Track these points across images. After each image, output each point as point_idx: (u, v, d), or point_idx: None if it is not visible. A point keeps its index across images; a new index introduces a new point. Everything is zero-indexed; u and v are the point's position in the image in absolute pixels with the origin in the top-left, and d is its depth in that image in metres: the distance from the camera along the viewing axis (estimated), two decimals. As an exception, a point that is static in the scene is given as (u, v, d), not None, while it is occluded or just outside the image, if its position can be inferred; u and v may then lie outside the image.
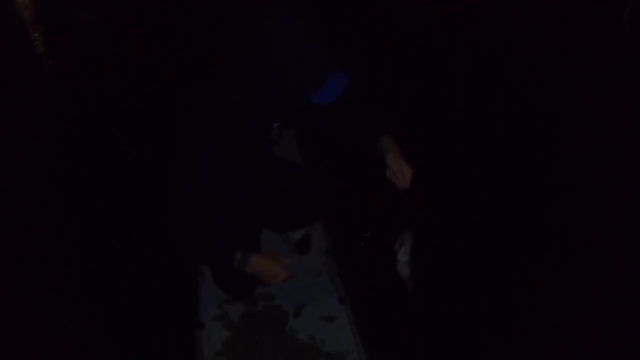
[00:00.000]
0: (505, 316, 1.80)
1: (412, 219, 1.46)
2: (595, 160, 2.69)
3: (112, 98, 3.46)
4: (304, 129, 1.65)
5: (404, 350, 1.69)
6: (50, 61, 4.06)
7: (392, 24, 4.71)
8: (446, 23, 4.75)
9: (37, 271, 2.02)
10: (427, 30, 4.58)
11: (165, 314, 1.79)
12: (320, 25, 1.18)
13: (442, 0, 5.18)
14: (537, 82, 3.60)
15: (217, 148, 1.28)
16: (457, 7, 4.94)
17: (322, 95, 1.23)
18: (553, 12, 4.41)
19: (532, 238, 2.16)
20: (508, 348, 1.69)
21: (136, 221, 2.21)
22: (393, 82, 3.62)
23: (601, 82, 3.50)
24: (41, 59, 4.10)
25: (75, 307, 1.86)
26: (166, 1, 5.23)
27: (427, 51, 4.13)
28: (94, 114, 3.26)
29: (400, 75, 3.73)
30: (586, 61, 3.80)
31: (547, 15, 4.42)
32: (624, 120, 3.04)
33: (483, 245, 2.12)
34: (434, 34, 4.51)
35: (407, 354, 1.68)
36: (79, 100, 3.49)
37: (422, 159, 2.69)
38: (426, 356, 1.69)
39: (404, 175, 1.37)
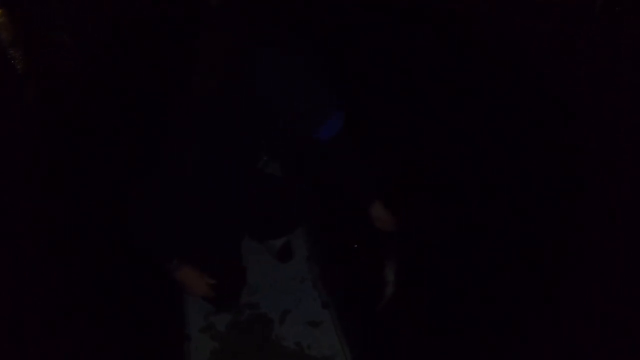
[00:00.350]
0: (505, 316, 1.80)
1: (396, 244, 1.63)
2: (595, 160, 2.69)
3: (114, 101, 3.46)
4: (290, 162, 1.71)
5: (391, 351, 1.68)
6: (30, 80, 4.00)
7: (392, 23, 4.72)
8: (446, 23, 4.75)
9: (37, 271, 2.02)
10: (427, 30, 4.59)
11: (153, 328, 1.77)
12: (325, 64, 1.26)
13: (443, 1, 5.18)
14: (537, 82, 3.60)
15: (199, 160, 1.34)
16: (457, 7, 4.94)
17: (322, 131, 1.29)
18: (553, 12, 4.41)
19: (532, 238, 2.16)
20: (508, 348, 1.68)
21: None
22: (393, 82, 3.63)
23: (601, 82, 3.50)
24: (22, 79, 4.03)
25: (73, 309, 1.85)
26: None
27: (427, 51, 4.13)
28: (95, 114, 3.27)
29: (400, 75, 3.74)
30: (586, 61, 3.80)
31: (547, 15, 4.42)
32: (624, 120, 3.04)
33: (483, 245, 2.12)
34: (434, 34, 4.51)
35: (394, 354, 1.68)
36: (79, 101, 3.49)
37: (422, 159, 2.73)
38: (414, 356, 1.69)
39: (391, 224, 1.60)
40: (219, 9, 2.60)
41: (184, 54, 2.66)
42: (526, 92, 3.46)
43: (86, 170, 2.66)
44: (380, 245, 1.60)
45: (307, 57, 1.27)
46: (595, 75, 3.60)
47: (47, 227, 2.26)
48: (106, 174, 2.60)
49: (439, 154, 2.76)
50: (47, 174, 2.68)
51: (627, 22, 3.96)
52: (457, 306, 1.84)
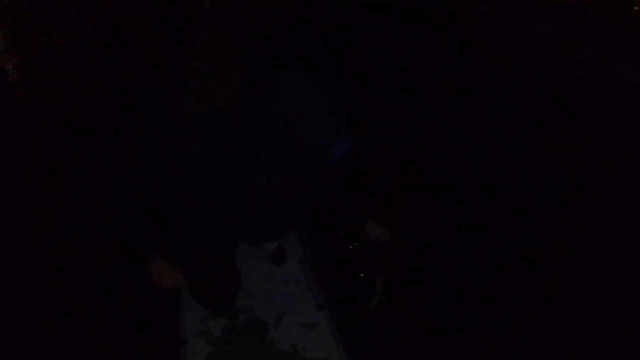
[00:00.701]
0: (505, 316, 1.80)
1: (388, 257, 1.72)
2: (595, 160, 2.69)
3: (114, 101, 3.46)
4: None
5: (388, 352, 1.68)
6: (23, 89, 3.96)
7: (392, 23, 4.71)
8: (446, 23, 4.75)
9: (37, 271, 2.02)
10: (427, 30, 4.59)
11: (150, 331, 1.76)
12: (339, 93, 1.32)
13: (443, 1, 5.18)
14: (537, 82, 3.60)
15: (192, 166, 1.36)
16: (457, 7, 4.94)
17: (332, 153, 1.33)
18: (553, 12, 4.42)
19: (532, 238, 2.15)
20: (508, 348, 1.68)
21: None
22: (393, 82, 3.63)
23: (601, 82, 3.50)
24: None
25: (73, 309, 1.85)
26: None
27: (427, 51, 4.13)
28: (95, 114, 3.27)
29: (400, 75, 3.74)
30: (586, 61, 3.80)
31: (547, 15, 4.42)
32: (624, 120, 3.04)
33: (483, 245, 2.12)
34: (434, 34, 4.51)
35: (391, 355, 1.68)
36: (79, 101, 3.49)
37: (422, 159, 2.72)
38: (412, 357, 1.68)
39: (386, 237, 1.64)
40: (213, 11, 2.60)
41: (184, 55, 2.66)
42: (526, 92, 3.46)
43: (86, 170, 2.66)
44: (372, 255, 1.62)
45: (324, 83, 1.31)
46: (595, 75, 3.60)
47: (47, 227, 2.26)
48: (106, 174, 2.60)
49: (439, 154, 2.76)
50: (47, 174, 2.68)
51: (626, 22, 3.96)
52: (457, 306, 1.84)
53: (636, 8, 4.26)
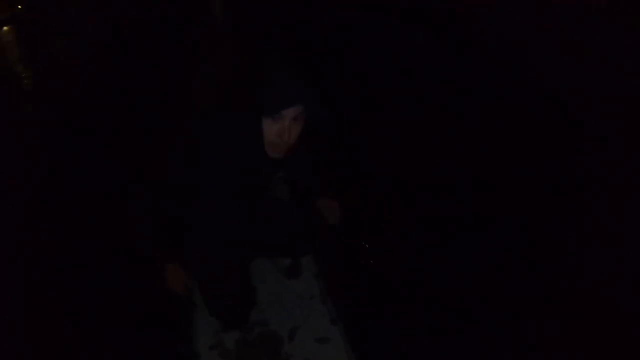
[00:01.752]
0: (505, 316, 1.80)
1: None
2: (595, 160, 2.69)
3: (114, 101, 3.46)
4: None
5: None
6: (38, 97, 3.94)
7: (392, 23, 4.72)
8: (446, 23, 4.76)
9: (37, 271, 2.02)
10: (427, 30, 4.59)
11: (161, 346, 1.73)
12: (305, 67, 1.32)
13: (443, 1, 5.19)
14: (537, 82, 3.61)
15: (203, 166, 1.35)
16: (457, 7, 4.95)
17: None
18: (553, 12, 4.42)
19: (532, 238, 2.16)
20: (508, 348, 1.68)
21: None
22: (393, 82, 3.63)
23: (601, 82, 3.50)
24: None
25: (73, 310, 1.85)
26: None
27: (427, 51, 4.14)
28: (95, 114, 3.27)
29: (400, 75, 3.74)
30: (586, 61, 3.80)
31: (547, 15, 4.42)
32: (624, 120, 3.04)
33: (483, 245, 2.12)
34: (434, 34, 4.52)
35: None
36: (79, 101, 3.49)
37: (422, 159, 2.73)
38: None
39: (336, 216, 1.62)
40: (223, 18, 2.61)
41: (184, 56, 2.67)
42: (526, 92, 3.46)
43: (86, 170, 2.66)
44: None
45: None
46: (595, 75, 3.60)
47: (47, 227, 2.26)
48: (106, 174, 2.60)
49: (439, 154, 2.76)
50: (47, 174, 2.68)
51: (626, 22, 3.96)
52: (456, 306, 1.84)
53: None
